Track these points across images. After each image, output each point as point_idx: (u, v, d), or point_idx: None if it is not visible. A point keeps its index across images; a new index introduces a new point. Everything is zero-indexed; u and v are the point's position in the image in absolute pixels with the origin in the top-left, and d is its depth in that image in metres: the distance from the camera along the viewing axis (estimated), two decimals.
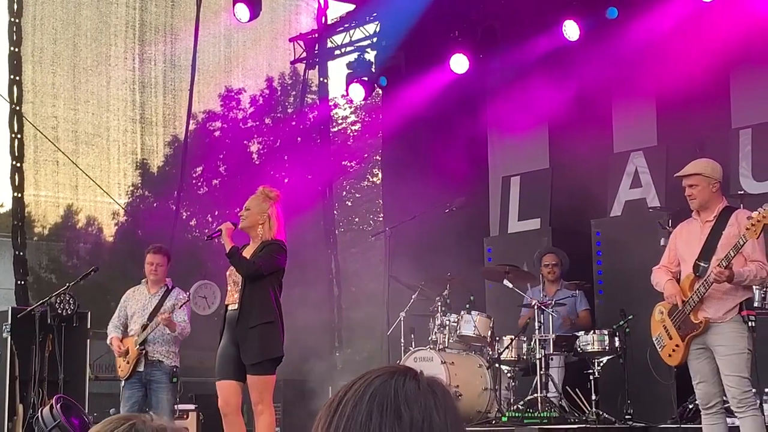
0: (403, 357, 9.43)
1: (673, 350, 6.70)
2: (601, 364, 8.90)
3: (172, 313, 8.67)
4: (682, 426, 8.11)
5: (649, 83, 10.78)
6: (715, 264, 6.46)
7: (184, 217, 19.38)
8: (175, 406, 9.09)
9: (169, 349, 8.84)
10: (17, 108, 12.67)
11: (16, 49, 12.74)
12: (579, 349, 9.01)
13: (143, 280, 9.14)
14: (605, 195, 10.84)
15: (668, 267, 6.92)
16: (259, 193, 7.61)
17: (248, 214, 7.54)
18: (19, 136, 12.61)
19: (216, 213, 20.53)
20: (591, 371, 8.86)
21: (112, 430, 1.90)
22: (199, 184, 21.27)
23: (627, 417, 8.61)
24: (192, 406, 10.37)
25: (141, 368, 8.80)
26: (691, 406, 8.19)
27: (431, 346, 9.36)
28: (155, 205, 19.43)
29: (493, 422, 8.80)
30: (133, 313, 9.00)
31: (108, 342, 9.11)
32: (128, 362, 8.83)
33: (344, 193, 25.87)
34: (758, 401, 6.95)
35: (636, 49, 10.35)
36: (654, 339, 6.89)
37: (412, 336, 9.73)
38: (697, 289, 6.57)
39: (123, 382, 8.96)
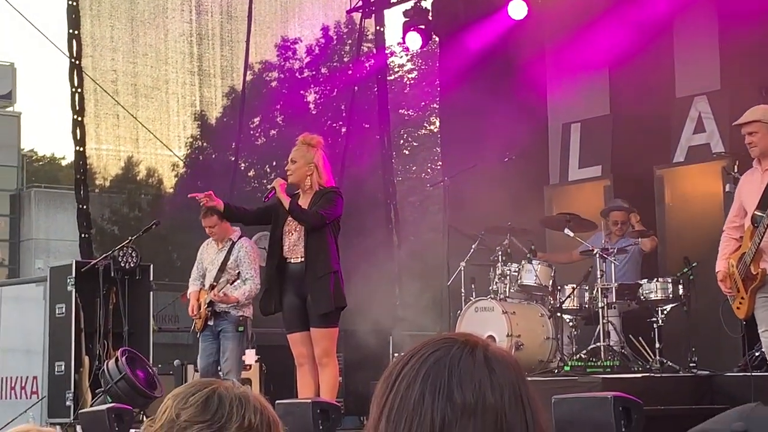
0: (463, 307, 9.41)
1: (740, 303, 6.60)
2: (665, 312, 8.81)
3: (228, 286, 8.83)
4: (748, 374, 8.00)
5: (712, 24, 10.56)
6: None
7: (242, 167, 19.50)
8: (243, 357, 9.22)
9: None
10: (77, 62, 12.70)
11: (74, 3, 12.75)
12: (642, 297, 8.91)
13: None
14: (668, 141, 10.68)
15: (734, 220, 6.78)
16: (301, 143, 7.57)
17: (295, 168, 7.52)
18: (79, 90, 12.66)
19: (274, 163, 20.63)
20: (654, 319, 8.76)
21: (193, 393, 1.90)
22: (257, 134, 21.38)
23: (692, 365, 8.51)
24: (255, 357, 10.43)
25: (211, 321, 8.96)
26: (757, 354, 8.08)
27: (492, 296, 9.32)
28: (214, 156, 19.56)
29: (556, 371, 8.75)
30: (206, 267, 9.18)
31: (188, 294, 9.34)
32: (200, 317, 8.98)
33: (401, 141, 25.80)
34: None
35: None
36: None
37: (473, 286, 9.69)
38: (754, 240, 6.45)
39: (198, 334, 9.12)
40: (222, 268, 8.99)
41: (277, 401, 7.57)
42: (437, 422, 1.58)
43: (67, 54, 12.71)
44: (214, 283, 8.95)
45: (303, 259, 7.39)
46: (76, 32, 12.75)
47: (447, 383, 1.59)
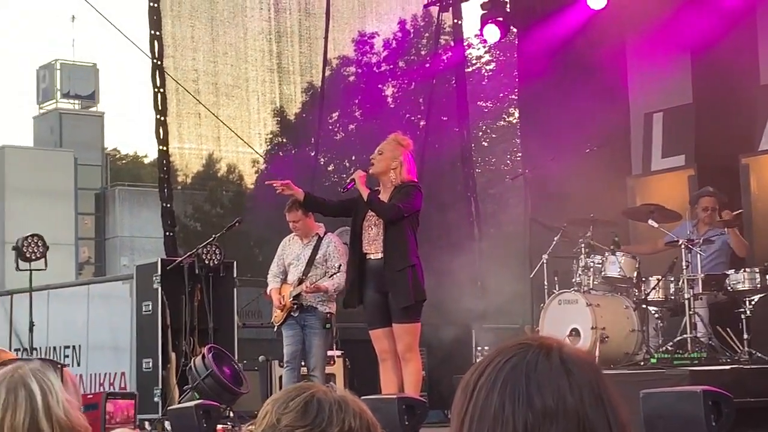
0: (547, 300, 9.35)
1: None
2: (753, 303, 8.66)
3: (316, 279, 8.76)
4: None
5: None
6: None
7: (322, 162, 19.59)
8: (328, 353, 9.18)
9: (323, 296, 8.83)
10: (159, 63, 12.87)
11: (155, 4, 12.91)
12: (729, 287, 8.77)
13: None
14: (752, 128, 10.49)
15: None
16: (392, 140, 7.59)
17: (381, 158, 7.52)
18: (161, 90, 12.81)
19: (353, 158, 20.70)
20: (742, 310, 8.62)
21: (293, 398, 1.90)
22: (336, 129, 21.47)
23: None
24: (338, 352, 10.46)
25: (295, 314, 8.87)
26: None
27: (576, 289, 9.24)
28: (294, 152, 19.68)
29: (642, 364, 8.66)
30: (289, 263, 9.03)
31: (268, 291, 9.20)
32: (283, 308, 8.92)
33: (480, 133, 25.72)
34: None
35: None
36: None
37: (556, 278, 9.61)
38: None
39: (276, 327, 9.06)
40: (310, 263, 8.89)
41: (363, 397, 7.60)
42: (519, 430, 1.58)
43: (149, 55, 12.88)
44: (303, 277, 8.86)
45: (382, 255, 7.39)
46: (157, 33, 12.90)
47: (525, 389, 1.59)
